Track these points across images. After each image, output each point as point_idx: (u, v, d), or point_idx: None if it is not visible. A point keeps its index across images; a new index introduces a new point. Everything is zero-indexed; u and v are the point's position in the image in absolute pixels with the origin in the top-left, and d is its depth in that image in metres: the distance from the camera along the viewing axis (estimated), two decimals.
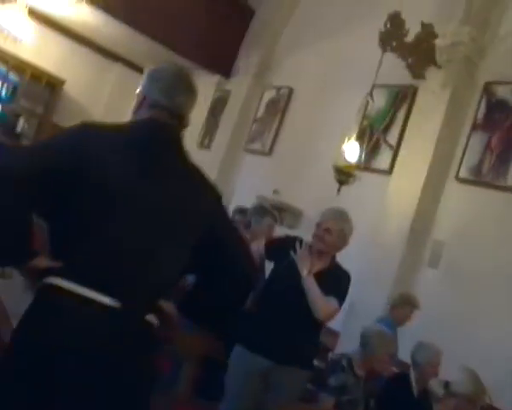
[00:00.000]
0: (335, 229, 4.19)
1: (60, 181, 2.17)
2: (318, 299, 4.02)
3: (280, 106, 9.51)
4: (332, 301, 4.06)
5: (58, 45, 12.83)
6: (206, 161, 10.32)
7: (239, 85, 10.53)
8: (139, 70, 13.25)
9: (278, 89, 9.70)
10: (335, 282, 4.15)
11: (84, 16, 11.19)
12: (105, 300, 2.15)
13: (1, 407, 2.09)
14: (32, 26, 11.74)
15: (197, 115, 11.06)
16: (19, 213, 2.15)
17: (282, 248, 4.36)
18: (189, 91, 2.54)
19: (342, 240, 4.26)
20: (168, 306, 2.40)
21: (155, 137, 2.37)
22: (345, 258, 4.43)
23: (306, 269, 4.08)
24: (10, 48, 11.98)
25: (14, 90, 13.16)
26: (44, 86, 12.97)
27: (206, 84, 11.35)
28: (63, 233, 2.24)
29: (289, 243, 4.33)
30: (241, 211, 6.41)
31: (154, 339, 2.32)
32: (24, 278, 2.46)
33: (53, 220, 2.26)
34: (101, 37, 12.31)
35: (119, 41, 11.91)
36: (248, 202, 9.03)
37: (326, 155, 7.63)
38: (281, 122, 9.43)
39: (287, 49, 10.02)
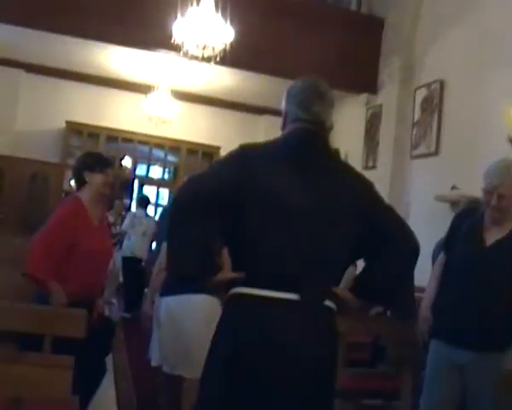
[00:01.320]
0: (509, 191, 3.65)
1: (231, 198, 2.49)
2: None
3: (435, 102, 9.09)
4: None
5: (205, 115, 13.26)
6: (374, 180, 10.13)
7: (389, 96, 10.24)
8: None
9: (429, 85, 9.31)
10: None
11: (221, 80, 11.45)
12: (285, 296, 2.44)
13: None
14: (178, 106, 12.14)
15: (354, 139, 11.01)
16: (207, 232, 2.51)
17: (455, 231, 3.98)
18: (323, 99, 2.71)
19: None
20: (343, 291, 2.63)
21: (299, 145, 2.63)
22: None
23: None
24: (163, 132, 12.46)
25: (175, 170, 13.66)
26: (202, 157, 13.37)
27: (355, 107, 11.21)
28: (240, 247, 2.55)
29: (461, 219, 3.99)
30: None
31: (334, 320, 2.59)
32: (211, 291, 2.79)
33: (231, 237, 2.57)
34: (242, 95, 12.53)
35: (260, 92, 12.02)
36: (428, 206, 8.70)
37: (496, 131, 7.21)
38: (440, 117, 8.98)
39: (426, 43, 9.63)
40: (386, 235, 2.64)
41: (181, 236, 2.52)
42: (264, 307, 2.45)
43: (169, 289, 4.51)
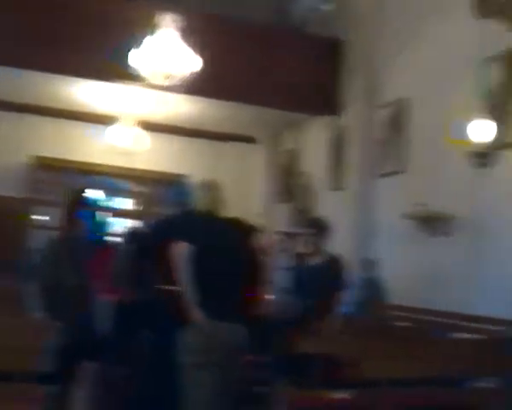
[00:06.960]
0: None
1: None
2: None
3: (399, 119, 9.18)
4: None
5: (171, 144, 13.25)
6: (342, 200, 10.13)
7: (353, 116, 10.28)
8: (251, 140, 13.35)
9: (392, 104, 9.39)
10: None
11: (185, 109, 11.44)
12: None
13: None
14: (144, 136, 12.02)
15: (320, 161, 10.98)
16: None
17: None
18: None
19: None
20: None
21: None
22: None
23: None
24: (129, 163, 12.38)
25: (143, 201, 13.59)
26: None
27: (320, 129, 11.22)
28: None
29: None
30: None
31: None
32: None
33: None
34: (207, 122, 12.48)
35: (225, 119, 12.01)
36: (395, 224, 8.72)
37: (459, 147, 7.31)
38: (405, 134, 9.07)
39: (388, 61, 9.74)
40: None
41: None
42: None
43: None
